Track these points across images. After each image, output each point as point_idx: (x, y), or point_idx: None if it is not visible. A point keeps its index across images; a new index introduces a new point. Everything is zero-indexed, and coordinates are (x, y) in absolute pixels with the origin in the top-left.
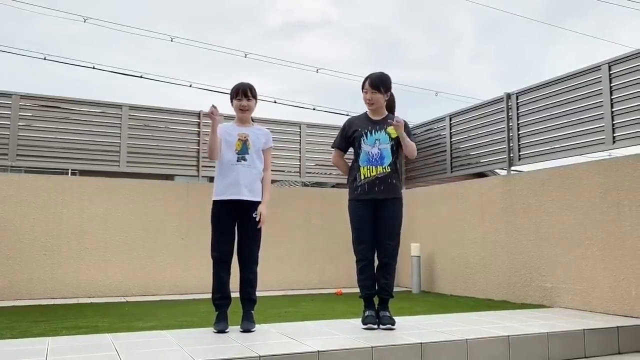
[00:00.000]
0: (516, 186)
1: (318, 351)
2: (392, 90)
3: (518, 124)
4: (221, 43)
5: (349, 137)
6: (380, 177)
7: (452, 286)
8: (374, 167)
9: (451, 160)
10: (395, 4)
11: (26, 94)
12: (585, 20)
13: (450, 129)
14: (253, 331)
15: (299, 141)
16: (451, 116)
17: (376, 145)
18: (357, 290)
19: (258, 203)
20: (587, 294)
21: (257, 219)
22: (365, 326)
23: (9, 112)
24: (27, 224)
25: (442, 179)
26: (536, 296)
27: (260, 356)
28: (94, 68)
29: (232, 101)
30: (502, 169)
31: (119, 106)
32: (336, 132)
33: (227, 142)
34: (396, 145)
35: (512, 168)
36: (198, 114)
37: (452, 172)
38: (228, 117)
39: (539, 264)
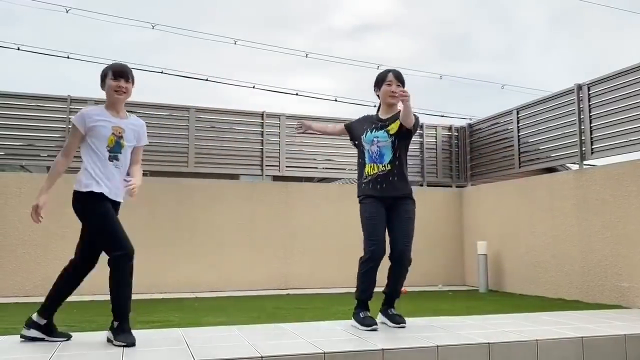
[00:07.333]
0: (589, 181)
1: (382, 349)
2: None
3: (590, 116)
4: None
5: None
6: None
7: (521, 285)
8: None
9: (519, 155)
10: None
11: (99, 100)
12: None
13: (518, 123)
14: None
15: None
16: (519, 109)
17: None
18: (424, 289)
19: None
20: None
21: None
22: (369, 328)
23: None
24: None
25: (510, 174)
26: (612, 296)
27: (325, 353)
28: (162, 73)
29: (103, 82)
30: (573, 163)
31: (186, 109)
32: None
33: (100, 131)
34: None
35: (585, 162)
36: (261, 115)
37: (520, 167)
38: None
39: (615, 262)
